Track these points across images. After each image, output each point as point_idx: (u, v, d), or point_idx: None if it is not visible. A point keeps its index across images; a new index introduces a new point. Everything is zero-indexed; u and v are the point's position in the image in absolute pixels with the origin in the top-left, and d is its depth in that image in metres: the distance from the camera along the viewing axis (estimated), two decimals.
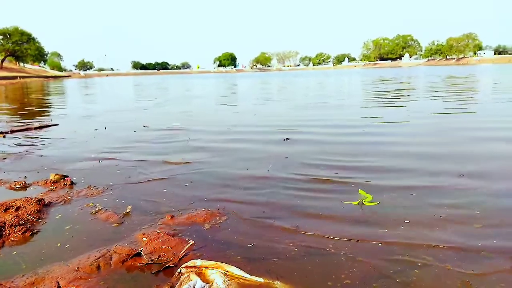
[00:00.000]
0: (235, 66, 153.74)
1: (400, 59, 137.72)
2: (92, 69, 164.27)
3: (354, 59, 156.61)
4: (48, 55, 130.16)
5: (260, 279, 2.20)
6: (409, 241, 2.67)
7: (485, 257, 2.44)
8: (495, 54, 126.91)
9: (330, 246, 2.62)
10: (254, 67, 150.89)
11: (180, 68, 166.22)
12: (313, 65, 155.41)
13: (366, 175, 4.32)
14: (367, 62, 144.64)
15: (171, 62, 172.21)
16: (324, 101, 13.97)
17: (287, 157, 5.24)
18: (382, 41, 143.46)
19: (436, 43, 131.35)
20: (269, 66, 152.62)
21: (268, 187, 3.99)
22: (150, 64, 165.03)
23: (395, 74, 44.06)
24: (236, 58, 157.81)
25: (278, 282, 2.18)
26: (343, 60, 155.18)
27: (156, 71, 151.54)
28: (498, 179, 4.04)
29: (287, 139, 6.53)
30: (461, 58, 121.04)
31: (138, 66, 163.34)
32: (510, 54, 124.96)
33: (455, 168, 4.42)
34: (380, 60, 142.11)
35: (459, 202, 3.44)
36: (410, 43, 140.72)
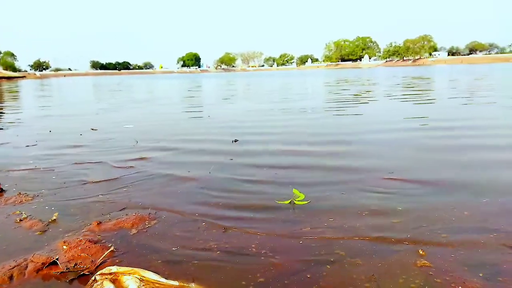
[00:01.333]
0: (199, 67, 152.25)
1: (360, 60, 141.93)
2: (49, 69, 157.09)
3: (316, 60, 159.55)
4: (1, 55, 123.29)
5: (175, 282, 2.22)
6: (329, 237, 2.79)
7: (395, 251, 2.59)
8: (448, 55, 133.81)
9: (253, 246, 2.69)
10: (219, 67, 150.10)
11: (142, 68, 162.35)
12: (277, 66, 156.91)
13: (303, 174, 4.46)
14: (329, 63, 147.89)
15: (132, 61, 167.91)
16: (287, 106, 14.17)
17: (232, 159, 5.29)
18: (343, 42, 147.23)
19: (393, 44, 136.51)
20: (233, 66, 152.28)
21: (206, 189, 4.01)
22: (110, 63, 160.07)
23: (357, 75, 45.36)
24: (200, 58, 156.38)
25: (193, 284, 2.21)
26: (306, 61, 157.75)
27: (117, 71, 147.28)
28: (426, 176, 4.28)
29: (236, 140, 6.59)
30: (417, 59, 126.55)
31: (97, 66, 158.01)
32: (462, 55, 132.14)
33: (387, 166, 4.65)
34: (341, 61, 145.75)
35: (385, 198, 3.62)
36: (369, 44, 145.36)
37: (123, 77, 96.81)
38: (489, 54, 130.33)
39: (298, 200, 3.67)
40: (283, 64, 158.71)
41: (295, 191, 3.89)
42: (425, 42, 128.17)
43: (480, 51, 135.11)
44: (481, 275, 2.26)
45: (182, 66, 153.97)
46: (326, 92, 19.58)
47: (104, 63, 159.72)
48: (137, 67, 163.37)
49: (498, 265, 2.36)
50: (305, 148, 5.94)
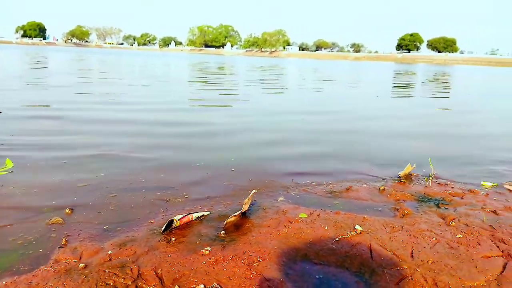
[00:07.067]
0: (44, 38, 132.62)
1: (223, 47, 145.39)
2: None
3: (180, 43, 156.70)
4: None
5: None
6: None
7: (43, 212, 2.58)
8: (299, 50, 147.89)
9: None
10: (69, 41, 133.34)
11: None
12: (138, 45, 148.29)
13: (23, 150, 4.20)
14: (193, 47, 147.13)
15: None
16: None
17: None
18: (206, 28, 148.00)
19: (253, 36, 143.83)
20: (87, 41, 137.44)
21: None
22: None
23: (222, 61, 46.14)
24: (45, 29, 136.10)
25: None
26: (170, 43, 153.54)
27: None
28: (147, 152, 4.50)
29: None
30: (273, 51, 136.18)
31: None
32: (310, 51, 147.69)
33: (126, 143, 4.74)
34: (205, 47, 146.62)
35: (94, 168, 3.63)
36: (231, 33, 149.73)
37: None
38: (331, 51, 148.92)
39: (1, 170, 3.42)
40: (144, 44, 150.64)
41: (8, 161, 3.64)
42: (280, 36, 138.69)
43: (325, 48, 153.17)
44: (98, 227, 2.41)
45: (23, 36, 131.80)
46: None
47: None
48: None
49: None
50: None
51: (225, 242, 2.25)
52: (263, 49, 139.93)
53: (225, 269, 1.93)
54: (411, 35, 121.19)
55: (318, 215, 2.66)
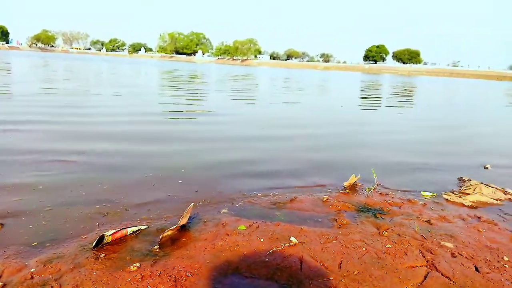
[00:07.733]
0: (7, 42, 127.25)
1: (195, 54, 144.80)
2: None
3: (150, 50, 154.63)
4: None
5: None
6: None
7: None
8: (270, 59, 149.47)
9: None
10: (34, 45, 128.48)
11: None
12: (106, 51, 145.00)
13: None
14: (164, 54, 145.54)
15: None
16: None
17: None
18: (177, 35, 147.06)
19: (224, 43, 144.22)
20: (52, 46, 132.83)
21: None
22: None
23: (194, 69, 45.77)
24: (8, 33, 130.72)
25: None
26: (140, 49, 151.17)
27: None
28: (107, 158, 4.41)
29: None
30: (245, 59, 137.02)
31: None
32: (281, 60, 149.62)
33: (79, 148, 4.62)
34: (176, 54, 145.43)
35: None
36: (203, 41, 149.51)
37: None
38: (302, 61, 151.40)
39: None
40: (113, 50, 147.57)
41: None
42: (251, 45, 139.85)
43: (295, 57, 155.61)
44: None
45: None
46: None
47: None
48: None
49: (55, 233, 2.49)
50: None
51: (157, 257, 2.23)
52: (234, 57, 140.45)
53: (149, 286, 1.91)
54: (378, 46, 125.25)
55: (257, 227, 2.68)
